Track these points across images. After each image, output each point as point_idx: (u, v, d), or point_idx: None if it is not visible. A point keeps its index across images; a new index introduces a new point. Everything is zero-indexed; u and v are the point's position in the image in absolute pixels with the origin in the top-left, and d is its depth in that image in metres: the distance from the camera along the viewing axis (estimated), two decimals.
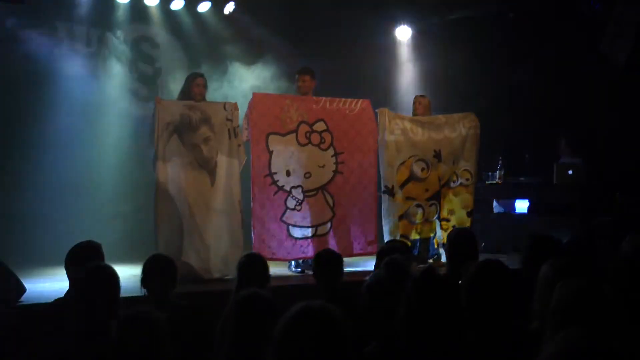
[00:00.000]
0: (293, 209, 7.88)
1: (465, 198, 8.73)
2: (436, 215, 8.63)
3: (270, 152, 7.80)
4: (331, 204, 8.08)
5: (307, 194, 7.96)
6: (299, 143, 7.94)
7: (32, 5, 8.97)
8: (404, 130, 8.42)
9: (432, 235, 8.61)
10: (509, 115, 10.83)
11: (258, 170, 7.74)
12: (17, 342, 4.38)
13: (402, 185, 8.41)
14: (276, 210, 7.81)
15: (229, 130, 7.65)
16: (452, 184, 8.69)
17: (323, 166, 8.06)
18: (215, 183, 7.57)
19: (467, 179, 8.74)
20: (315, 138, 8.03)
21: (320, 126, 8.07)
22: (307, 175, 7.96)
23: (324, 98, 8.20)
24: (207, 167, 7.54)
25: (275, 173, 7.83)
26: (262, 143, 7.76)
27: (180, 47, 10.61)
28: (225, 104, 7.82)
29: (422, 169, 8.47)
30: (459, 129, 8.70)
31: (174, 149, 7.42)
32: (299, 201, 7.91)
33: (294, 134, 7.92)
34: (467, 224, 8.59)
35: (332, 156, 8.11)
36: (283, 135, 7.86)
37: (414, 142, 8.46)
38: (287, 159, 7.87)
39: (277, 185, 7.83)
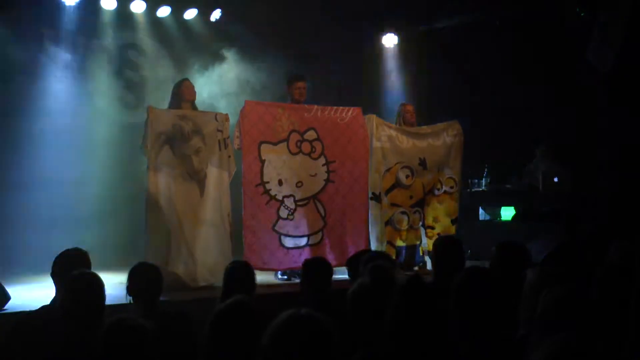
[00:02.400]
0: (285, 219, 7.82)
1: (450, 205, 8.77)
2: (420, 222, 8.65)
3: (263, 161, 7.74)
4: (322, 213, 8.04)
5: (298, 203, 7.91)
6: (290, 152, 7.89)
7: (17, 12, 8.94)
8: (390, 137, 8.45)
9: (417, 242, 8.61)
10: (495, 122, 10.87)
11: (249, 179, 7.68)
12: (1, 350, 4.34)
13: (387, 192, 8.44)
14: (268, 220, 7.74)
15: (219, 141, 7.61)
16: (436, 192, 8.74)
17: (314, 175, 8.01)
18: (205, 194, 7.51)
19: (452, 187, 8.79)
20: (306, 147, 7.99)
21: (311, 135, 8.03)
22: (299, 184, 7.91)
23: (315, 106, 8.17)
24: (197, 178, 7.48)
25: (268, 182, 7.77)
26: (254, 152, 7.70)
27: (166, 55, 10.59)
28: (216, 114, 7.76)
29: (407, 176, 8.50)
30: (442, 137, 8.76)
31: (166, 159, 7.35)
32: (291, 210, 7.86)
33: (285, 143, 7.87)
34: (452, 232, 8.61)
35: (323, 165, 8.07)
36: (274, 144, 7.81)
37: (399, 150, 8.49)
38: (278, 168, 7.81)
39: (270, 195, 7.77)
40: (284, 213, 7.82)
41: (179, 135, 7.40)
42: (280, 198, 7.82)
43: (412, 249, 8.57)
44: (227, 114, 7.83)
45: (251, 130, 7.71)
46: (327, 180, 8.08)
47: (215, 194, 7.55)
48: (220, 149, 7.61)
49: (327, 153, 8.09)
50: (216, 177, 7.57)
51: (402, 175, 8.46)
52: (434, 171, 8.69)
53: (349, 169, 8.17)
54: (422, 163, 8.58)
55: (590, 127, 10.24)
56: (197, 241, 7.40)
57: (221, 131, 7.63)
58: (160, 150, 7.33)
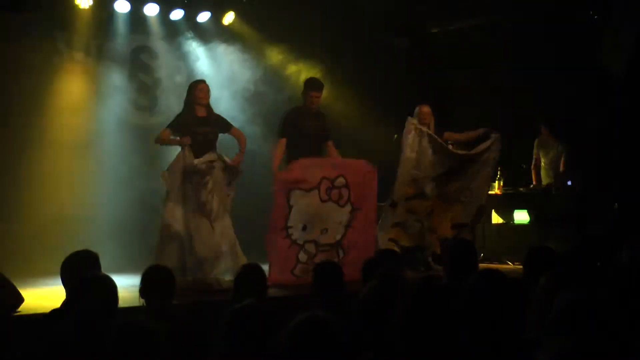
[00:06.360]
0: (304, 263, 7.75)
1: (456, 213, 8.62)
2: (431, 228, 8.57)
3: (290, 207, 7.76)
4: (341, 257, 7.92)
5: (320, 248, 7.87)
6: (320, 199, 7.88)
7: (31, 14, 8.98)
8: (423, 150, 8.33)
9: (425, 245, 8.55)
10: (507, 124, 10.83)
11: (275, 223, 7.73)
12: (14, 353, 4.36)
13: (408, 199, 8.37)
14: (289, 263, 7.74)
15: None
16: (449, 199, 8.63)
17: (340, 222, 7.98)
18: (214, 227, 7.52)
19: (465, 197, 8.67)
20: (335, 194, 7.95)
21: (340, 182, 7.98)
22: (324, 231, 7.89)
23: (340, 158, 8.33)
24: (204, 210, 7.48)
25: (291, 227, 7.77)
26: (283, 198, 7.73)
27: (179, 57, 10.61)
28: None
29: (432, 189, 8.42)
30: (479, 158, 8.63)
31: (184, 192, 7.42)
32: (311, 255, 7.80)
33: (317, 190, 7.85)
34: (449, 236, 8.53)
35: (349, 212, 8.03)
36: (307, 191, 7.82)
37: (428, 161, 8.36)
38: (306, 214, 7.80)
39: (291, 239, 7.77)
40: (303, 257, 7.79)
41: (195, 169, 7.43)
42: (302, 242, 7.81)
43: (419, 250, 8.50)
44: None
45: (284, 177, 7.78)
46: (348, 226, 8.04)
47: (221, 224, 7.57)
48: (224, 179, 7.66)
49: (353, 199, 8.05)
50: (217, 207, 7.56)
51: (428, 188, 8.39)
52: (454, 183, 8.58)
53: (365, 213, 8.12)
54: (443, 175, 8.46)
55: (605, 130, 10.18)
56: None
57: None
58: (182, 183, 7.41)
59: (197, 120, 7.67)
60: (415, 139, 8.30)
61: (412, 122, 8.35)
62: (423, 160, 8.34)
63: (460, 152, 8.64)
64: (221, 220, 7.58)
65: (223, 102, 9.94)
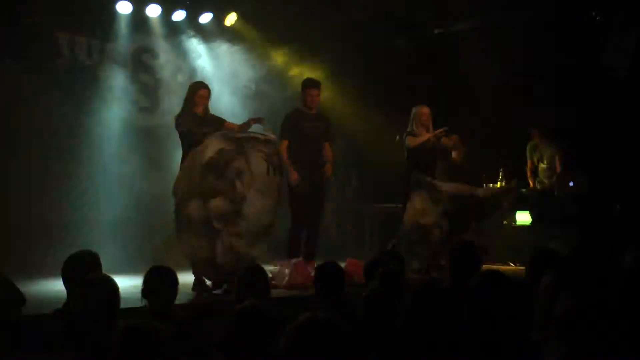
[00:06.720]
0: None
1: None
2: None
3: None
4: None
5: None
6: None
7: (31, 14, 8.99)
8: (437, 199, 8.26)
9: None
10: (510, 125, 10.83)
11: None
12: (15, 354, 4.36)
13: (411, 243, 8.35)
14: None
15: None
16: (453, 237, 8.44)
17: None
18: (242, 216, 7.14)
19: (468, 235, 8.35)
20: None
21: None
22: None
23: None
24: (236, 201, 7.09)
25: None
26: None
27: (181, 58, 10.61)
28: (263, 135, 7.44)
29: (437, 235, 8.31)
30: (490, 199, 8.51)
31: (207, 185, 7.05)
32: None
33: None
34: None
35: None
36: None
37: (440, 211, 8.28)
38: None
39: None
40: None
41: (222, 161, 7.06)
42: None
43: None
44: (274, 137, 7.61)
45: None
46: None
47: (256, 216, 7.21)
48: (267, 173, 7.21)
49: None
50: (256, 202, 7.18)
51: (433, 236, 8.30)
52: (459, 221, 8.36)
53: None
54: (446, 212, 8.33)
55: (607, 132, 10.17)
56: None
57: (269, 154, 7.27)
58: (204, 177, 7.05)
59: (195, 119, 7.67)
60: (424, 195, 8.27)
61: (425, 178, 8.32)
62: (433, 210, 8.27)
63: (473, 192, 8.53)
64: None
65: (224, 98, 9.95)
